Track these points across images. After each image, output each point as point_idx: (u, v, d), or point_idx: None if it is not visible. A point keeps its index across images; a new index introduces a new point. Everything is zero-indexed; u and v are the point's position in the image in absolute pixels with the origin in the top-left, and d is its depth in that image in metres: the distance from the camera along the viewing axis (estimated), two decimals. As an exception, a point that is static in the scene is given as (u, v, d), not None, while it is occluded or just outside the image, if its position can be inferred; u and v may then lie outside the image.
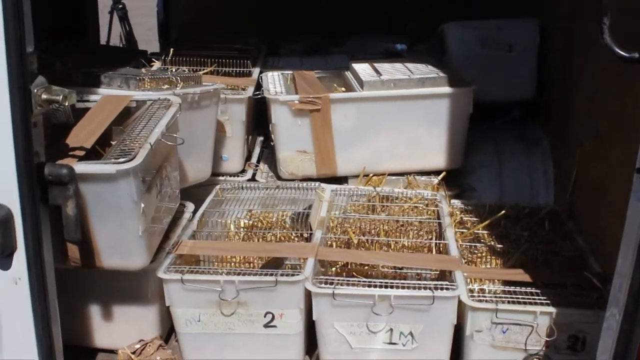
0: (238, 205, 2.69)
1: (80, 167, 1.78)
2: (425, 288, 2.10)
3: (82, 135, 1.94)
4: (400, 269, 2.34)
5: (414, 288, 2.12)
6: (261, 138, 3.52)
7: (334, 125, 2.85)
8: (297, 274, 2.12)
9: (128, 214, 1.88)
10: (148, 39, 5.62)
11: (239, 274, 2.18)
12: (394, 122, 2.88)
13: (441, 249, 2.43)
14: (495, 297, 2.13)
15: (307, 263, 2.19)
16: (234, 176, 3.08)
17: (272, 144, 2.95)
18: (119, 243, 1.94)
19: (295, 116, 2.82)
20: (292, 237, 2.57)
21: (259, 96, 2.95)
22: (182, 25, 4.42)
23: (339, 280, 2.17)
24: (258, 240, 2.57)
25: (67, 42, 3.07)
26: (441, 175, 2.99)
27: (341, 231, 2.52)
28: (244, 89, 3.04)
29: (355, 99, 2.84)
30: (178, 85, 2.50)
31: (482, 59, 3.30)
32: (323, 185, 2.83)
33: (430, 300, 2.06)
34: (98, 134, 1.95)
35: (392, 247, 2.47)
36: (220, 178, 3.04)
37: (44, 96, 1.51)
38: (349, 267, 2.38)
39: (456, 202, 2.82)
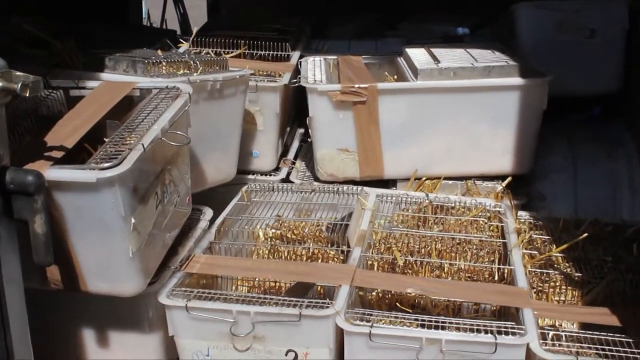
0: (266, 211, 2.31)
1: (53, 174, 1.42)
2: (485, 331, 1.68)
3: (65, 131, 1.58)
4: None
5: (471, 330, 1.70)
6: (301, 130, 3.13)
7: (382, 120, 2.44)
8: (327, 306, 1.73)
9: (115, 231, 1.51)
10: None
11: (258, 301, 1.80)
12: (452, 117, 2.45)
13: (506, 276, 2.00)
14: (577, 347, 1.69)
15: (340, 292, 1.79)
16: (266, 175, 2.70)
17: (309, 140, 2.55)
18: (106, 265, 1.58)
19: (337, 109, 2.42)
20: (328, 253, 2.18)
21: (296, 84, 2.55)
22: (232, 5, 4.21)
23: (377, 316, 1.76)
24: (287, 255, 2.19)
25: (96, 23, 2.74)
26: (506, 181, 2.55)
27: (385, 248, 2.12)
28: (279, 76, 2.65)
29: (408, 90, 2.42)
30: (197, 70, 2.12)
31: (558, 45, 2.84)
32: (367, 189, 2.42)
33: (491, 347, 1.64)
34: (84, 131, 1.59)
35: (445, 271, 2.05)
36: (250, 177, 2.67)
37: (-2, 84, 1.17)
38: (392, 293, 1.98)
39: (523, 215, 2.37)
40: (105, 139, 1.63)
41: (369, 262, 2.06)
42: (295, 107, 2.98)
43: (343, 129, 2.45)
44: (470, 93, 2.41)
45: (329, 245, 2.26)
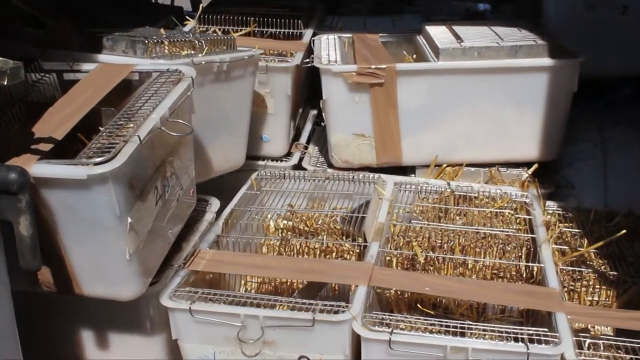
0: (277, 201, 2.17)
1: (39, 170, 1.28)
2: (516, 339, 1.54)
3: (55, 120, 1.44)
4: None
5: (500, 337, 1.56)
6: (314, 112, 2.98)
7: (400, 103, 2.28)
8: (342, 310, 1.59)
9: (109, 231, 1.37)
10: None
11: (268, 303, 1.66)
12: (476, 100, 2.29)
13: (535, 274, 1.86)
14: (616, 357, 1.55)
15: (357, 293, 1.65)
16: (277, 161, 2.55)
17: (322, 124, 2.40)
18: (101, 268, 1.44)
19: (352, 91, 2.26)
20: (343, 247, 2.04)
21: (309, 64, 2.39)
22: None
23: (397, 319, 1.62)
24: (299, 248, 2.05)
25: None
26: (532, 168, 2.38)
27: (404, 242, 1.97)
28: (291, 55, 2.49)
29: (429, 71, 2.26)
30: (202, 50, 1.96)
31: (588, 22, 2.65)
32: (384, 177, 2.28)
33: (523, 357, 1.49)
34: (76, 119, 1.44)
35: (469, 268, 1.91)
36: (260, 163, 2.52)
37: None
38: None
39: (551, 205, 2.22)
40: (100, 128, 1.48)
41: (387, 258, 1.92)
42: (308, 87, 2.83)
43: (359, 113, 2.29)
44: (495, 74, 2.25)
45: (344, 238, 2.12)
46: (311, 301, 1.65)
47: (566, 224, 2.11)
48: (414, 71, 2.25)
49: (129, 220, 1.37)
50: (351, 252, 2.08)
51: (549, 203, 2.22)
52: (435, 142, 2.35)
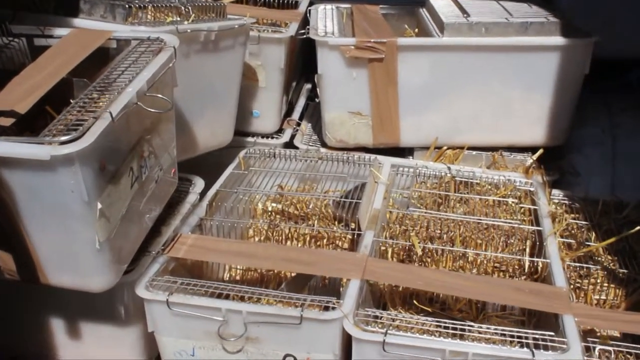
0: (266, 182, 2.03)
1: (-6, 147, 1.14)
2: (521, 343, 1.42)
3: (20, 91, 1.28)
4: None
5: (502, 341, 1.44)
6: (308, 86, 2.83)
7: (401, 80, 2.13)
8: (333, 307, 1.46)
9: (77, 218, 1.23)
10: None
11: (252, 296, 1.54)
12: (481, 80, 2.14)
13: (540, 270, 1.74)
14: (628, 366, 1.43)
15: (349, 288, 1.52)
16: (267, 137, 2.41)
17: (317, 100, 2.25)
18: (69, 257, 1.30)
19: (350, 66, 2.11)
20: (336, 234, 1.91)
21: (304, 36, 2.24)
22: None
23: (391, 317, 1.50)
24: (288, 233, 1.92)
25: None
26: (537, 154, 2.25)
27: (400, 231, 1.84)
28: (285, 26, 2.33)
29: (432, 47, 2.11)
30: (189, 18, 1.80)
31: (602, 1, 2.49)
32: (380, 158, 2.14)
33: (527, 364, 1.38)
34: (43, 91, 1.29)
35: (470, 262, 1.79)
36: (249, 139, 2.38)
37: None
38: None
39: (556, 194, 2.09)
40: (71, 101, 1.33)
41: (382, 248, 1.79)
42: (303, 60, 2.67)
43: (356, 90, 2.14)
44: (503, 53, 2.10)
45: (336, 224, 1.99)
46: (299, 295, 1.52)
47: (573, 215, 1.99)
48: (417, 47, 2.10)
49: (99, 206, 1.22)
50: (343, 239, 1.95)
51: (554, 192, 2.09)
52: (436, 123, 2.22)
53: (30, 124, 1.36)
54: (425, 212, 1.86)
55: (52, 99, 1.38)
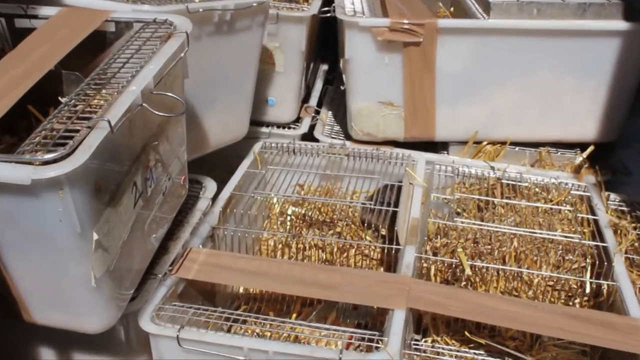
0: (285, 181, 1.77)
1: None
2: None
3: (-3, 87, 1.02)
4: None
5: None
6: (325, 67, 2.56)
7: (439, 67, 1.87)
8: (376, 345, 1.22)
9: (67, 252, 0.98)
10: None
11: (275, 323, 1.30)
12: (530, 68, 1.88)
13: (605, 293, 1.50)
14: None
15: (393, 322, 1.28)
16: (284, 128, 2.15)
17: (342, 88, 1.99)
18: (58, 294, 1.06)
19: (382, 50, 1.85)
20: (369, 248, 1.67)
21: (328, 15, 1.97)
22: None
23: (435, 352, 1.26)
24: (312, 244, 1.67)
25: None
26: (588, 150, 2.01)
27: (442, 245, 1.60)
28: (306, 2, 2.06)
29: (477, 31, 1.84)
30: (200, -5, 1.54)
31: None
32: (414, 154, 1.89)
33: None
34: (26, 87, 1.03)
35: (526, 282, 1.55)
36: (264, 129, 2.12)
37: None
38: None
39: (613, 199, 1.85)
40: (60, 99, 1.07)
41: (425, 265, 1.55)
42: (320, 39, 2.40)
43: (388, 77, 1.88)
44: (556, 37, 1.83)
45: (365, 230, 1.76)
46: (333, 328, 1.28)
47: (634, 224, 1.75)
48: (460, 29, 1.83)
49: (95, 236, 0.97)
50: (373, 248, 1.71)
51: (611, 196, 1.85)
52: (476, 115, 1.96)
53: (9, 126, 1.10)
54: (473, 223, 1.61)
55: (37, 95, 1.11)
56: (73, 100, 1.00)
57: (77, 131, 0.92)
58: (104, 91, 1.05)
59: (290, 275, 1.41)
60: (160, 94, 1.07)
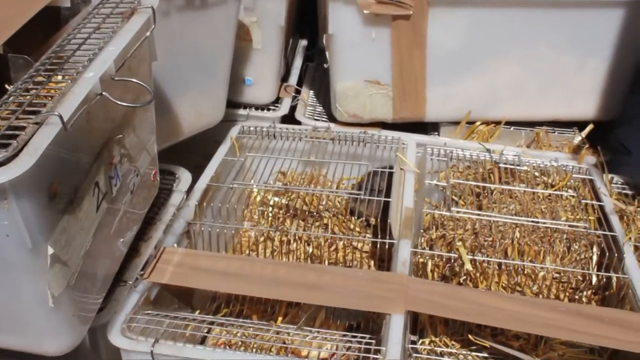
0: (265, 169, 1.63)
1: None
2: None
3: None
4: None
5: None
6: (304, 42, 2.40)
7: (430, 42, 1.73)
8: (374, 357, 1.10)
9: (17, 270, 0.83)
10: None
11: (263, 327, 1.17)
12: (528, 42, 1.75)
13: (614, 286, 1.39)
14: None
15: (391, 330, 1.15)
16: (262, 109, 2.00)
17: (325, 66, 1.84)
18: (10, 316, 0.91)
19: (368, 25, 1.70)
20: (359, 243, 1.54)
21: (309, -14, 1.82)
22: None
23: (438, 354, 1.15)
24: (297, 239, 1.54)
25: None
26: (587, 130, 1.89)
27: (438, 236, 1.48)
28: (285, -28, 1.90)
29: (471, 2, 1.69)
30: (167, -36, 1.37)
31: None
32: (404, 137, 1.75)
33: None
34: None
35: (529, 276, 1.43)
36: (241, 111, 1.96)
37: None
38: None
39: (615, 181, 1.74)
40: (7, 87, 0.91)
41: (420, 260, 1.43)
42: (298, 12, 2.24)
43: (375, 54, 1.74)
44: (557, 9, 1.70)
45: (354, 224, 1.63)
46: (323, 333, 1.16)
47: (631, 205, 1.64)
48: (453, 1, 1.68)
49: (50, 250, 0.83)
50: (364, 244, 1.59)
51: (614, 179, 1.74)
52: (470, 94, 1.83)
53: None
54: (471, 213, 1.49)
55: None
56: (19, 90, 0.85)
57: (23, 128, 0.77)
58: (57, 77, 0.90)
59: (276, 277, 1.28)
60: (123, 79, 0.92)
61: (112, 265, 1.10)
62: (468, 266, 1.37)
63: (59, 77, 0.90)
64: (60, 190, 0.83)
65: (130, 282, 1.17)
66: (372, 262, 1.56)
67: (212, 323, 1.26)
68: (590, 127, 1.89)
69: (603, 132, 1.96)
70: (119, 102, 0.89)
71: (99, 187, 0.95)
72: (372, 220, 1.66)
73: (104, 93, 0.88)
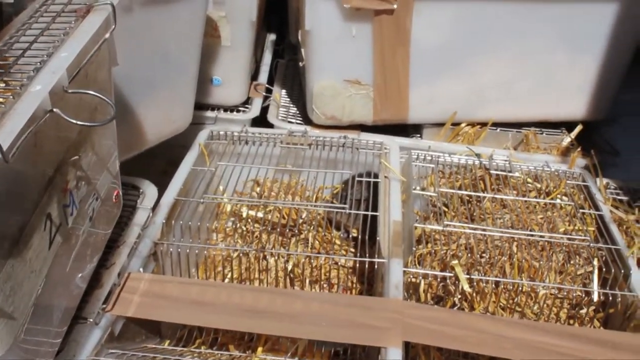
0: (238, 177, 1.48)
1: None
2: None
3: None
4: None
5: None
6: (272, 37, 2.26)
7: (414, 39, 1.61)
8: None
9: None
10: None
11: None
12: (518, 39, 1.64)
13: (621, 307, 1.28)
14: None
15: (388, 364, 1.03)
16: (232, 111, 1.85)
17: (301, 64, 1.70)
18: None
19: (348, 20, 1.56)
20: (345, 263, 1.41)
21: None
22: None
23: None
24: (276, 259, 1.40)
25: None
26: (576, 130, 1.80)
27: (428, 252, 1.36)
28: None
29: (458, -4, 1.58)
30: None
31: None
32: (386, 141, 1.63)
33: None
34: None
35: (529, 295, 1.32)
36: (209, 114, 1.81)
37: None
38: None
39: (608, 186, 1.65)
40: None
41: (413, 279, 1.30)
42: (266, 1, 2.09)
43: (355, 51, 1.61)
44: (547, 4, 1.59)
45: (335, 239, 1.50)
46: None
47: (628, 211, 1.55)
48: (439, -5, 1.56)
49: (-8, 304, 0.68)
50: (345, 251, 1.47)
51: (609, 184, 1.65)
52: (456, 94, 1.71)
53: None
54: (466, 227, 1.37)
55: None
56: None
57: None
58: (-2, 91, 0.74)
59: (257, 306, 1.14)
60: (78, 92, 0.77)
61: (69, 305, 0.95)
62: (466, 287, 1.25)
63: None
64: (1, 232, 0.68)
65: (91, 320, 1.02)
66: (354, 279, 1.43)
67: (183, 355, 1.13)
68: (579, 127, 1.80)
69: (588, 132, 1.87)
70: (74, 121, 0.73)
71: (52, 220, 0.80)
72: (354, 232, 1.53)
73: (54, 110, 0.73)
